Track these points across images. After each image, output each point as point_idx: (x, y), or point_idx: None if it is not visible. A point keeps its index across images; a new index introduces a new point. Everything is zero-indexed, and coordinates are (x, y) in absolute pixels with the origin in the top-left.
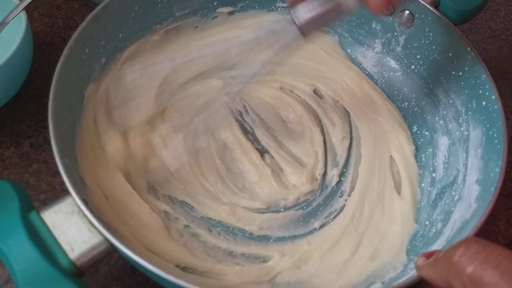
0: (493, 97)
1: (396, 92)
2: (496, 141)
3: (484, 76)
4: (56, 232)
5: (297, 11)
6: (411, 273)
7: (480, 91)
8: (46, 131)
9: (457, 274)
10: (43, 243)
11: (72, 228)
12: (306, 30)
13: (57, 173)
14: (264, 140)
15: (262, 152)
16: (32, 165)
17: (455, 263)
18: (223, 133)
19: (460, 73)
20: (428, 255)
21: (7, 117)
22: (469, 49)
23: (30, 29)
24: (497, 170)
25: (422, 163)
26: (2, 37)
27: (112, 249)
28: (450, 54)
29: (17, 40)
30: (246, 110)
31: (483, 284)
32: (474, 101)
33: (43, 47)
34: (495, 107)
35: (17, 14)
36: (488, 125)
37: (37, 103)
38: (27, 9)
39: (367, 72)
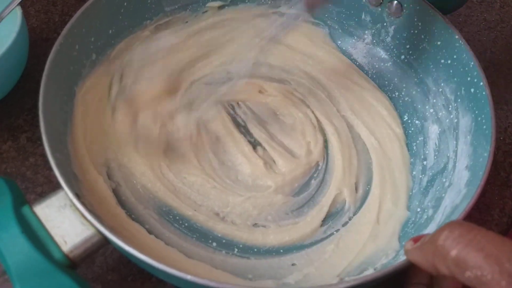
0: (481, 83)
1: (386, 82)
2: (484, 127)
3: (472, 63)
4: (49, 226)
5: None
6: (402, 259)
7: (469, 78)
8: None
9: (442, 258)
10: (36, 237)
11: (65, 222)
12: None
13: None
14: (256, 132)
15: (255, 144)
16: (29, 159)
17: (439, 247)
18: (215, 126)
19: (449, 61)
20: (416, 239)
21: (4, 111)
22: (457, 37)
23: (25, 24)
24: (485, 155)
25: (413, 152)
26: None
27: (105, 241)
28: (438, 43)
29: (12, 35)
30: (237, 103)
31: (467, 267)
32: (463, 88)
33: (39, 43)
34: (483, 93)
35: (12, 9)
36: (476, 112)
37: (34, 97)
38: (23, 5)
39: (357, 63)
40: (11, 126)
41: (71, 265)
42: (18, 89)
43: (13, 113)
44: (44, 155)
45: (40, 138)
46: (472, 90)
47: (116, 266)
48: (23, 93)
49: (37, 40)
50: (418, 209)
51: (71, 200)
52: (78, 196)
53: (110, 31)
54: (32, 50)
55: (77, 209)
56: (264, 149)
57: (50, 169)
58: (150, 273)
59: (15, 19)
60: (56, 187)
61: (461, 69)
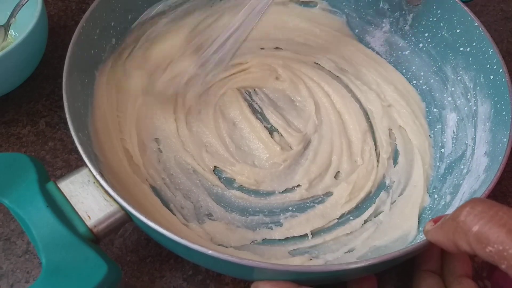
0: (501, 70)
1: (404, 71)
2: (504, 113)
3: (492, 50)
4: (73, 201)
5: None
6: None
7: (488, 66)
8: (61, 111)
9: (463, 234)
10: (61, 211)
11: (88, 198)
12: None
13: (73, 150)
14: (273, 118)
15: (271, 130)
16: (48, 143)
17: (461, 223)
18: (232, 112)
19: (468, 49)
20: (436, 220)
21: (24, 97)
22: (476, 24)
23: (45, 10)
24: (504, 140)
25: (431, 140)
26: (18, 18)
27: (127, 217)
28: (458, 31)
29: (32, 21)
30: (254, 90)
31: (488, 243)
32: (482, 76)
33: (57, 30)
34: (503, 80)
35: None
36: (496, 99)
37: (52, 83)
38: None
39: (375, 52)
40: (30, 111)
41: (95, 239)
42: (37, 75)
43: (32, 98)
44: (62, 140)
45: (58, 123)
46: (492, 77)
47: (135, 248)
48: (41, 79)
49: (54, 28)
50: (436, 196)
51: (94, 177)
52: (101, 174)
53: (130, 16)
54: (50, 37)
55: (101, 185)
56: (280, 135)
57: (69, 153)
58: (168, 254)
59: (35, 5)
60: (75, 170)
61: (481, 56)
